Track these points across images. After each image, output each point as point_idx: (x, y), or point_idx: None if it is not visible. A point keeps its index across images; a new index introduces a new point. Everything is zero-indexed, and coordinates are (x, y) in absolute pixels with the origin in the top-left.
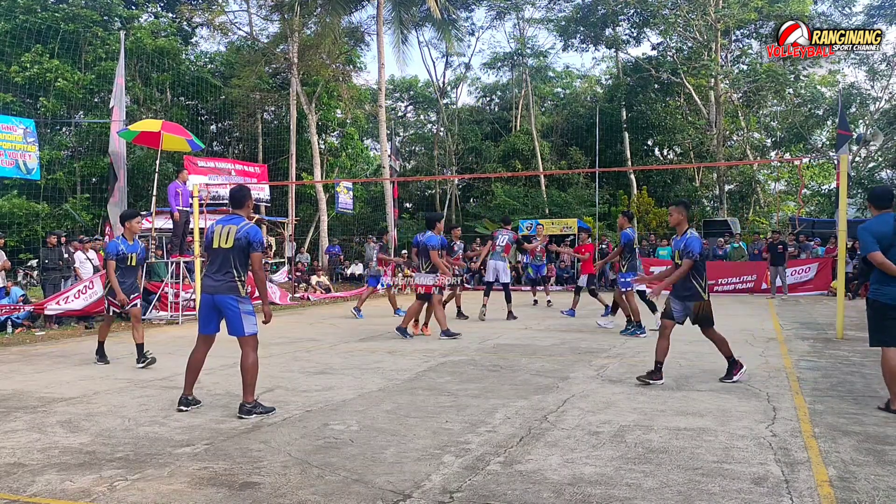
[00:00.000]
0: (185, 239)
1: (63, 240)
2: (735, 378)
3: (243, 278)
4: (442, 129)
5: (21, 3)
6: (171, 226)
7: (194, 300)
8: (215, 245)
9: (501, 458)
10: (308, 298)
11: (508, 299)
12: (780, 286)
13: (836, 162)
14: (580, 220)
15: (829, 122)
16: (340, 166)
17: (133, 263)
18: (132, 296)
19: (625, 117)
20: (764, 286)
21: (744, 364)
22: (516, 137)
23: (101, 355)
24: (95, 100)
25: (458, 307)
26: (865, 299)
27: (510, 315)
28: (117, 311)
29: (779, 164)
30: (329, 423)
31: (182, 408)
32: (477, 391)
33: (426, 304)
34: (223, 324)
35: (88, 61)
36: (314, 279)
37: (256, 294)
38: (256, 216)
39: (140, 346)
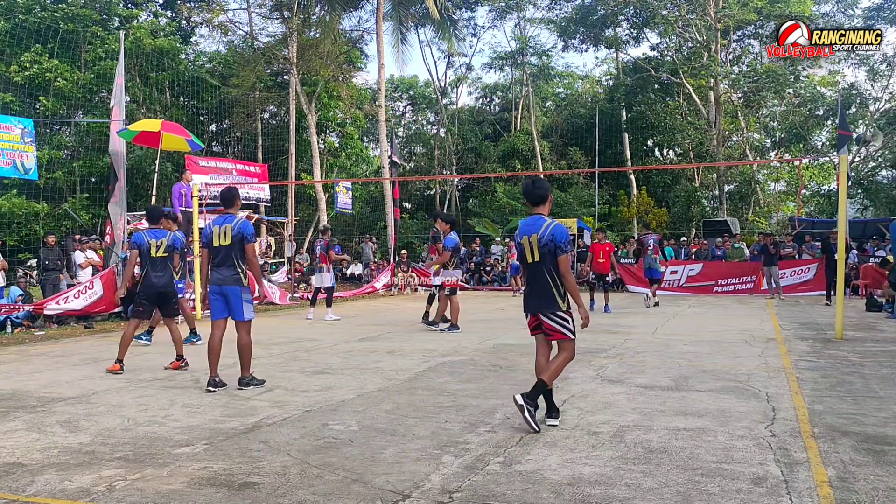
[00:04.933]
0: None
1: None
2: None
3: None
4: (442, 129)
5: (20, 3)
6: None
7: (194, 300)
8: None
9: (501, 459)
10: (308, 298)
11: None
12: (775, 287)
13: (836, 162)
14: (580, 220)
15: (829, 123)
16: (340, 166)
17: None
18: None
19: (625, 117)
20: (764, 286)
21: None
22: (516, 137)
23: None
24: (95, 99)
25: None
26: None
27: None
28: None
29: (779, 164)
30: (328, 423)
31: (210, 389)
32: (476, 391)
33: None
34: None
35: (88, 61)
36: (313, 279)
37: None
38: (255, 216)
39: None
